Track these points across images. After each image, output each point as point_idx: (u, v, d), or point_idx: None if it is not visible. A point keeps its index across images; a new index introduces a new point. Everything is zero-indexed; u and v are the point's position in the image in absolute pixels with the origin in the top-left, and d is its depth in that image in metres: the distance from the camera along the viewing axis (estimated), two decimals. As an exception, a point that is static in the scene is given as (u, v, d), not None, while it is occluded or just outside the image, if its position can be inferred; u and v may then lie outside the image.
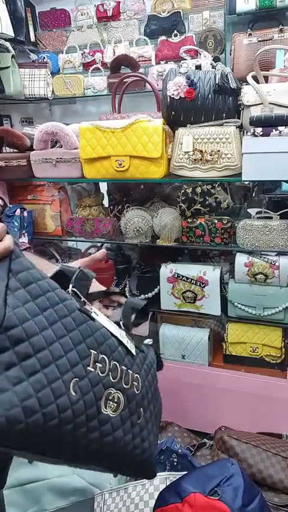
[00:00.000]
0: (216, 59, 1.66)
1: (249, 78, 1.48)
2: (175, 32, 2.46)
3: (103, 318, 0.66)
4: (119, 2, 2.60)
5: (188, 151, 1.52)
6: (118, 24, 2.64)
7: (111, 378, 0.62)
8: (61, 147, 1.73)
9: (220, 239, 1.70)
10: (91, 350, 0.60)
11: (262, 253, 1.66)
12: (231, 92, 1.48)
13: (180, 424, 1.76)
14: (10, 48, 2.56)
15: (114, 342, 0.65)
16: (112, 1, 2.62)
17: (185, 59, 1.74)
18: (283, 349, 1.75)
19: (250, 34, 2.17)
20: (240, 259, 1.68)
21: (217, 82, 1.47)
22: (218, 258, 2.00)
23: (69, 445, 0.56)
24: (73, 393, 0.56)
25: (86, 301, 0.65)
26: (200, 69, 1.56)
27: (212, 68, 1.57)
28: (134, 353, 0.69)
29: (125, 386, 0.64)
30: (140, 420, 0.67)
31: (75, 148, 1.69)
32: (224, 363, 1.84)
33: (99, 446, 0.60)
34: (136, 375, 0.67)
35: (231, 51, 2.27)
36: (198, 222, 1.71)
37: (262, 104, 1.45)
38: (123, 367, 0.64)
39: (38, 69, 2.71)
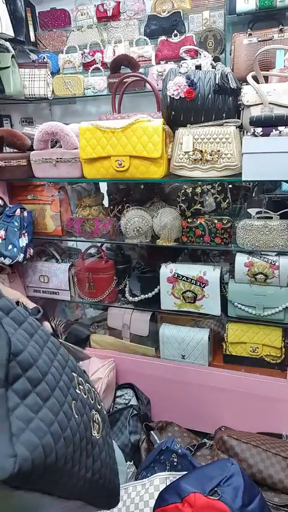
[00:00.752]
0: (216, 59, 1.66)
1: (249, 78, 1.48)
2: (175, 32, 2.46)
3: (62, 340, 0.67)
4: (119, 2, 2.60)
5: (188, 151, 1.52)
6: (118, 24, 2.64)
7: (90, 400, 0.61)
8: (61, 147, 1.73)
9: (220, 239, 1.70)
10: (73, 373, 0.60)
11: (262, 253, 1.66)
12: (231, 92, 1.48)
13: (180, 424, 1.76)
14: (10, 48, 2.56)
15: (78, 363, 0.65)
16: (112, 1, 2.62)
17: (185, 59, 1.74)
18: (283, 349, 1.75)
19: (250, 34, 2.17)
20: (240, 259, 1.68)
21: (217, 82, 1.47)
22: (218, 258, 2.00)
23: (73, 475, 0.52)
24: (76, 415, 0.54)
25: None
26: (200, 69, 1.56)
27: (212, 68, 1.57)
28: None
29: (98, 407, 0.63)
30: (110, 444, 0.67)
31: (75, 148, 1.69)
32: (224, 363, 1.84)
33: (93, 472, 0.58)
34: (97, 394, 0.67)
35: (231, 51, 2.27)
36: (198, 222, 1.71)
37: (262, 104, 1.45)
38: (93, 388, 0.64)
39: (38, 69, 2.71)
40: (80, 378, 0.62)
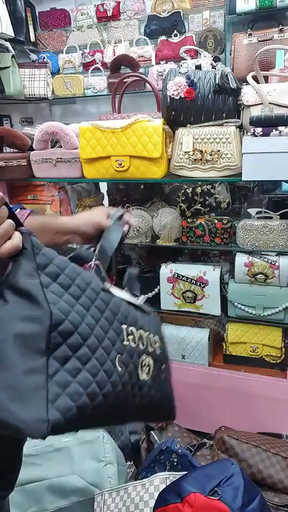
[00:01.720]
0: (216, 59, 1.66)
1: (249, 78, 1.48)
2: (175, 32, 2.46)
3: (116, 289, 0.68)
4: (119, 2, 2.60)
5: (188, 151, 1.52)
6: (118, 24, 2.64)
7: (141, 346, 0.66)
8: (61, 147, 1.73)
9: (220, 239, 1.70)
10: (122, 325, 0.63)
11: (262, 253, 1.66)
12: (231, 92, 1.48)
13: (180, 424, 1.76)
14: (10, 48, 2.56)
15: (134, 311, 0.69)
16: (112, 1, 2.61)
17: (185, 59, 1.74)
18: (283, 349, 1.75)
19: (250, 34, 2.17)
20: (240, 259, 1.68)
21: (217, 82, 1.47)
22: (218, 258, 2.00)
23: (119, 413, 0.62)
24: (119, 369, 0.60)
25: (106, 276, 0.69)
26: (200, 69, 1.56)
27: (212, 68, 1.57)
28: (148, 310, 0.73)
29: (150, 350, 0.68)
30: (165, 375, 0.74)
31: (75, 148, 1.69)
32: (224, 363, 1.84)
33: (141, 406, 0.66)
34: (155, 336, 0.71)
35: (231, 51, 2.27)
36: (198, 222, 1.71)
37: (262, 104, 1.45)
38: (146, 333, 0.68)
39: (38, 69, 2.70)
40: (131, 328, 0.65)
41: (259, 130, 1.38)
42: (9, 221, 0.52)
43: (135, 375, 0.63)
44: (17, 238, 0.53)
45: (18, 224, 0.55)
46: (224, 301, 1.77)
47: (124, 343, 0.62)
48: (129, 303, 0.69)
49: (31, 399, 0.47)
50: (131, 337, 0.64)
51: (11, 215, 0.54)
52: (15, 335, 0.49)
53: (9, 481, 0.85)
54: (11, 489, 0.89)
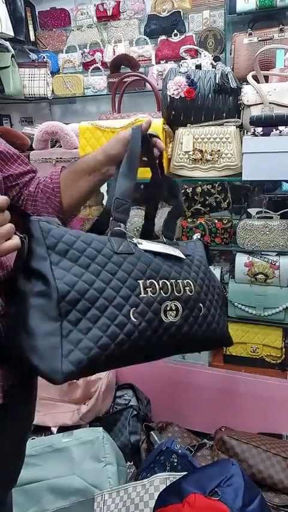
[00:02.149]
0: (216, 59, 1.66)
1: (249, 77, 1.47)
2: (175, 31, 2.46)
3: (144, 241, 0.78)
4: (119, 1, 2.60)
5: (188, 151, 1.52)
6: (118, 23, 2.63)
7: (163, 294, 0.73)
8: (61, 146, 1.73)
9: (220, 239, 1.70)
10: (138, 281, 0.71)
11: (262, 253, 1.66)
12: (232, 91, 1.48)
13: (180, 424, 1.76)
14: (10, 47, 2.56)
15: (159, 261, 0.75)
16: (112, 1, 2.61)
17: (185, 59, 1.74)
18: (283, 350, 1.75)
19: (250, 34, 2.16)
20: (240, 259, 1.68)
21: (217, 82, 1.46)
22: (218, 258, 1.99)
23: (147, 350, 0.72)
24: (134, 320, 0.68)
25: (126, 230, 0.75)
26: (200, 69, 1.56)
27: (212, 67, 1.57)
28: (183, 257, 0.80)
29: (177, 294, 0.75)
30: (203, 311, 0.80)
31: (75, 148, 1.68)
32: (224, 363, 1.84)
33: (172, 343, 0.75)
34: (186, 280, 0.78)
35: (231, 50, 2.26)
36: (198, 222, 1.71)
37: (262, 103, 1.44)
38: (171, 280, 0.75)
39: (37, 68, 2.70)
40: (150, 280, 0.72)
41: (259, 130, 1.37)
42: (10, 224, 0.60)
43: (156, 320, 0.71)
44: (16, 240, 0.61)
45: (26, 215, 0.66)
46: (224, 301, 1.77)
47: (141, 296, 0.70)
48: (156, 253, 0.76)
49: (49, 356, 0.60)
50: (149, 289, 0.72)
51: (18, 210, 0.66)
52: (33, 307, 0.62)
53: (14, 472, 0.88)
54: (15, 482, 0.90)
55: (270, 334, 1.74)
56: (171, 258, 0.79)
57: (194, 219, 1.72)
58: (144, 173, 1.56)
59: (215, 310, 0.84)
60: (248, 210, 1.70)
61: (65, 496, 1.39)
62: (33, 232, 0.64)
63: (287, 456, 1.40)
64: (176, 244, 0.86)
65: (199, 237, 0.88)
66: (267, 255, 1.65)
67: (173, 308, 0.74)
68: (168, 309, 0.73)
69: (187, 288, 0.78)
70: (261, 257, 1.65)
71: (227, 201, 1.70)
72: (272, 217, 1.62)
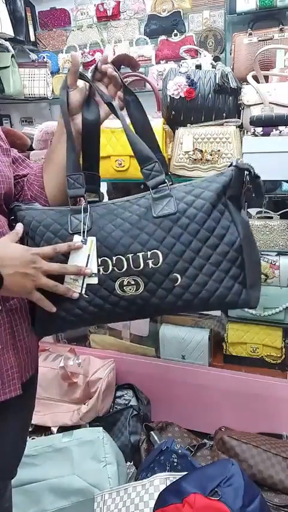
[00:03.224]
0: (216, 59, 1.66)
1: (249, 77, 1.47)
2: (175, 31, 2.46)
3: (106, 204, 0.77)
4: (119, 1, 2.60)
5: (188, 151, 1.52)
6: (118, 23, 2.64)
7: (117, 271, 0.73)
8: (61, 146, 1.73)
9: (220, 239, 1.70)
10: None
11: (262, 253, 1.66)
12: (232, 91, 1.48)
13: (180, 424, 1.76)
14: (10, 47, 2.56)
15: (117, 234, 0.73)
16: (112, 1, 2.61)
17: (185, 59, 1.74)
18: (283, 350, 1.75)
19: (250, 34, 2.16)
20: (241, 259, 1.68)
21: (217, 82, 1.46)
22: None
23: (116, 317, 0.77)
24: (86, 296, 0.74)
25: (86, 204, 0.77)
26: (200, 69, 1.56)
27: (212, 67, 1.57)
28: (154, 214, 0.73)
29: (135, 269, 0.73)
30: (180, 281, 0.73)
31: (75, 148, 1.68)
32: (224, 363, 1.83)
33: (148, 311, 0.76)
34: (152, 251, 0.72)
35: (231, 50, 2.26)
36: (198, 222, 1.71)
37: (262, 103, 1.44)
38: (128, 255, 0.73)
39: (37, 68, 2.70)
40: (103, 258, 0.74)
41: (259, 130, 1.37)
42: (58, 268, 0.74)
43: (112, 296, 0.74)
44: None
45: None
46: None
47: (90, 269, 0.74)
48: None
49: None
50: (101, 267, 0.74)
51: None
52: None
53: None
54: (13, 477, 0.91)
55: (270, 334, 1.74)
56: (141, 222, 0.73)
57: (194, 219, 1.72)
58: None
59: (206, 276, 0.73)
60: (248, 210, 1.70)
61: (65, 496, 1.39)
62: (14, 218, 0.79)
63: (287, 456, 1.40)
64: (162, 194, 0.73)
65: (238, 161, 0.75)
66: (267, 255, 1.65)
67: (132, 283, 0.73)
68: (125, 283, 0.73)
69: (150, 261, 0.72)
70: (261, 257, 1.65)
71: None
72: (272, 217, 1.62)
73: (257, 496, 1.02)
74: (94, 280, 0.74)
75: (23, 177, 0.89)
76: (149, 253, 0.72)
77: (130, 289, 0.73)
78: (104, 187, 2.04)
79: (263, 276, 1.65)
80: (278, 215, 1.62)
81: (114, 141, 1.54)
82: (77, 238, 0.74)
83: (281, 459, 1.39)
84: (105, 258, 0.73)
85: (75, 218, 0.75)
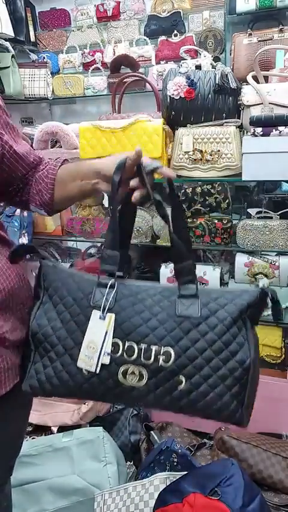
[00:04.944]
0: (216, 59, 1.66)
1: (249, 78, 1.48)
2: (175, 32, 2.46)
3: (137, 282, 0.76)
4: (119, 2, 2.60)
5: (188, 151, 1.52)
6: (118, 24, 2.64)
7: (125, 357, 0.70)
8: (61, 147, 1.73)
9: (220, 239, 1.70)
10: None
11: (262, 253, 1.66)
12: (231, 92, 1.48)
13: (180, 424, 1.76)
14: (10, 48, 2.56)
15: (137, 320, 0.71)
16: (112, 1, 2.61)
17: (185, 59, 1.74)
18: (283, 349, 1.75)
19: (250, 34, 2.16)
20: (240, 259, 1.68)
21: (217, 82, 1.47)
22: (218, 258, 2.00)
23: (103, 398, 0.75)
24: (85, 373, 0.72)
25: (114, 282, 0.74)
26: (200, 69, 1.56)
27: (212, 67, 1.57)
28: (178, 312, 0.70)
29: (144, 361, 0.70)
30: (183, 386, 0.70)
31: (75, 148, 1.69)
32: (224, 363, 1.83)
33: (131, 400, 0.73)
34: (166, 347, 0.69)
35: (231, 51, 2.26)
36: (198, 222, 1.71)
37: (262, 103, 1.45)
38: (142, 344, 0.70)
39: (38, 69, 2.70)
40: (115, 340, 0.71)
41: (259, 130, 1.38)
42: None
43: (111, 380, 0.71)
44: None
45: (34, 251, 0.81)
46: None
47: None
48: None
49: (22, 372, 0.79)
50: (112, 348, 0.71)
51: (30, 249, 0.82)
52: None
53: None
54: (9, 475, 0.91)
55: (270, 334, 1.74)
56: (162, 316, 0.71)
57: (194, 219, 1.72)
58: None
59: (210, 388, 0.70)
60: (248, 210, 1.70)
61: (65, 496, 1.40)
62: (40, 271, 0.80)
63: (287, 456, 1.40)
64: (189, 293, 0.72)
65: (264, 284, 0.74)
66: (267, 255, 1.65)
67: (136, 373, 0.70)
68: (129, 372, 0.70)
69: (161, 357, 0.69)
70: (261, 257, 1.66)
71: (226, 201, 1.71)
72: (271, 217, 1.62)
73: (257, 495, 1.03)
74: (106, 360, 0.70)
75: (32, 171, 0.88)
76: (162, 349, 0.70)
77: (132, 379, 0.70)
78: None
79: (262, 276, 1.65)
80: (278, 215, 1.62)
81: (114, 141, 1.55)
82: (96, 313, 0.72)
83: (280, 459, 1.39)
84: (118, 340, 0.71)
85: (100, 292, 0.73)
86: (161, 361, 0.69)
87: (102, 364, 0.70)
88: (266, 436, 1.53)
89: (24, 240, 1.86)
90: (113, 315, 0.71)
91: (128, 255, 0.84)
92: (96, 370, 0.70)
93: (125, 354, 0.70)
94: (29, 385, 0.75)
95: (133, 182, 0.77)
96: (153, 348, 0.70)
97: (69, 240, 2.18)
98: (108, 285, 0.73)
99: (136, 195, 0.77)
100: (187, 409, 0.72)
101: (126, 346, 0.70)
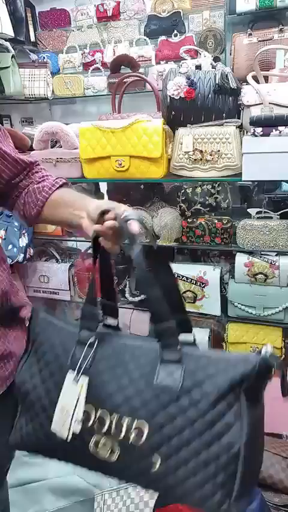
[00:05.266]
0: (216, 59, 1.66)
1: (249, 78, 1.48)
2: (175, 32, 2.46)
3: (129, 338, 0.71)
4: (119, 2, 2.60)
5: (188, 151, 1.52)
6: (118, 24, 2.64)
7: (96, 426, 0.62)
8: (61, 147, 1.73)
9: (220, 239, 1.70)
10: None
11: (262, 253, 1.66)
12: (231, 92, 1.48)
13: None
14: (10, 48, 2.56)
15: (114, 386, 0.63)
16: (112, 1, 2.61)
17: (185, 59, 1.74)
18: (283, 349, 1.75)
19: (250, 34, 2.16)
20: (240, 259, 1.68)
21: (217, 82, 1.47)
22: (218, 258, 2.00)
23: (79, 464, 0.69)
24: (59, 439, 0.66)
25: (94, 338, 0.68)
26: (200, 69, 1.56)
27: (212, 68, 1.57)
28: (155, 381, 0.60)
29: (114, 433, 0.61)
30: (157, 469, 0.59)
31: (75, 148, 1.69)
32: (224, 363, 1.83)
33: (108, 472, 0.66)
34: (139, 420, 0.60)
35: (231, 51, 2.27)
36: (198, 222, 1.71)
37: (262, 104, 1.45)
38: (115, 415, 0.62)
39: (38, 69, 2.70)
40: (88, 405, 0.65)
41: (259, 130, 1.38)
42: None
43: (82, 451, 0.64)
44: None
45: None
46: (224, 301, 1.77)
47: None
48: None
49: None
50: (84, 415, 0.64)
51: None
52: None
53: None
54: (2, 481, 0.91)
55: (270, 334, 1.75)
56: (140, 383, 0.61)
57: (194, 219, 1.72)
58: (145, 173, 1.57)
59: (189, 473, 0.58)
60: (248, 210, 1.70)
61: (65, 496, 1.40)
62: (29, 321, 0.76)
63: (287, 456, 1.40)
64: (172, 358, 0.60)
65: (267, 352, 0.58)
66: (267, 255, 1.65)
67: (108, 446, 0.62)
68: (101, 444, 0.62)
69: (132, 432, 0.60)
70: (261, 257, 1.66)
71: (226, 201, 1.71)
72: (271, 217, 1.62)
73: (257, 495, 1.03)
74: (77, 429, 0.63)
75: (24, 184, 0.89)
76: (135, 423, 0.60)
77: (103, 453, 0.62)
78: (104, 187, 2.05)
79: (262, 276, 1.65)
80: (278, 215, 1.62)
81: (114, 141, 1.55)
82: (71, 375, 0.65)
83: (280, 459, 1.39)
84: (91, 406, 0.63)
85: (79, 350, 0.66)
86: (132, 437, 0.60)
87: (73, 433, 0.63)
88: (266, 436, 1.53)
89: (24, 240, 1.86)
90: (87, 379, 0.64)
91: (115, 307, 0.77)
92: (67, 437, 0.64)
93: (96, 423, 0.62)
94: (13, 439, 0.73)
95: (98, 227, 0.73)
96: (126, 420, 0.61)
97: (69, 240, 2.18)
98: (87, 344, 0.66)
99: (103, 243, 0.73)
100: (168, 494, 0.60)
101: (98, 415, 0.62)
